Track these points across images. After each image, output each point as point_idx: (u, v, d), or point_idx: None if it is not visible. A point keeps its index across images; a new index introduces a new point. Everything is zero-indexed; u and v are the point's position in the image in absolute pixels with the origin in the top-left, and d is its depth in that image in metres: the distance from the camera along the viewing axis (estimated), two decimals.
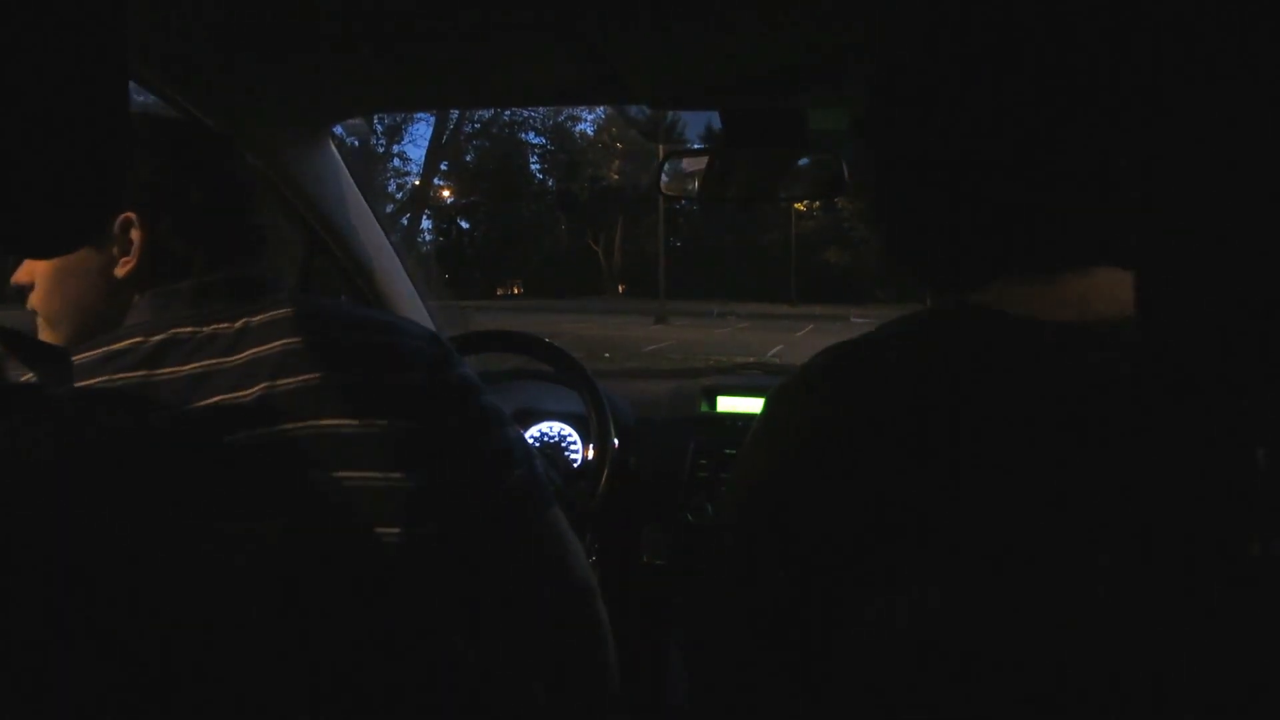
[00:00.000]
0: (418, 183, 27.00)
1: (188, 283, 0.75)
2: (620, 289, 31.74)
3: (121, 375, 0.68)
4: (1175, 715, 0.43)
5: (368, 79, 1.15)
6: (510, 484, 0.81)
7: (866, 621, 0.48)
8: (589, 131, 33.60)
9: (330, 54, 1.04)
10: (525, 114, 28.00)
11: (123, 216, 0.75)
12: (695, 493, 1.62)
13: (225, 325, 0.73)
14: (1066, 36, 0.50)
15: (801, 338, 15.48)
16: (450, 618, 0.73)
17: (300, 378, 0.70)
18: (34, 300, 0.78)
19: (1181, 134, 0.35)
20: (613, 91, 1.14)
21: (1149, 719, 0.43)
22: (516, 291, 32.88)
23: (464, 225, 32.54)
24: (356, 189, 1.47)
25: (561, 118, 31.41)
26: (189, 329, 0.72)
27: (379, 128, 25.41)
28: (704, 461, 1.65)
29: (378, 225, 1.53)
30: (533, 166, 32.85)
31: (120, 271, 0.75)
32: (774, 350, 12.62)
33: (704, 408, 1.82)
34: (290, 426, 0.68)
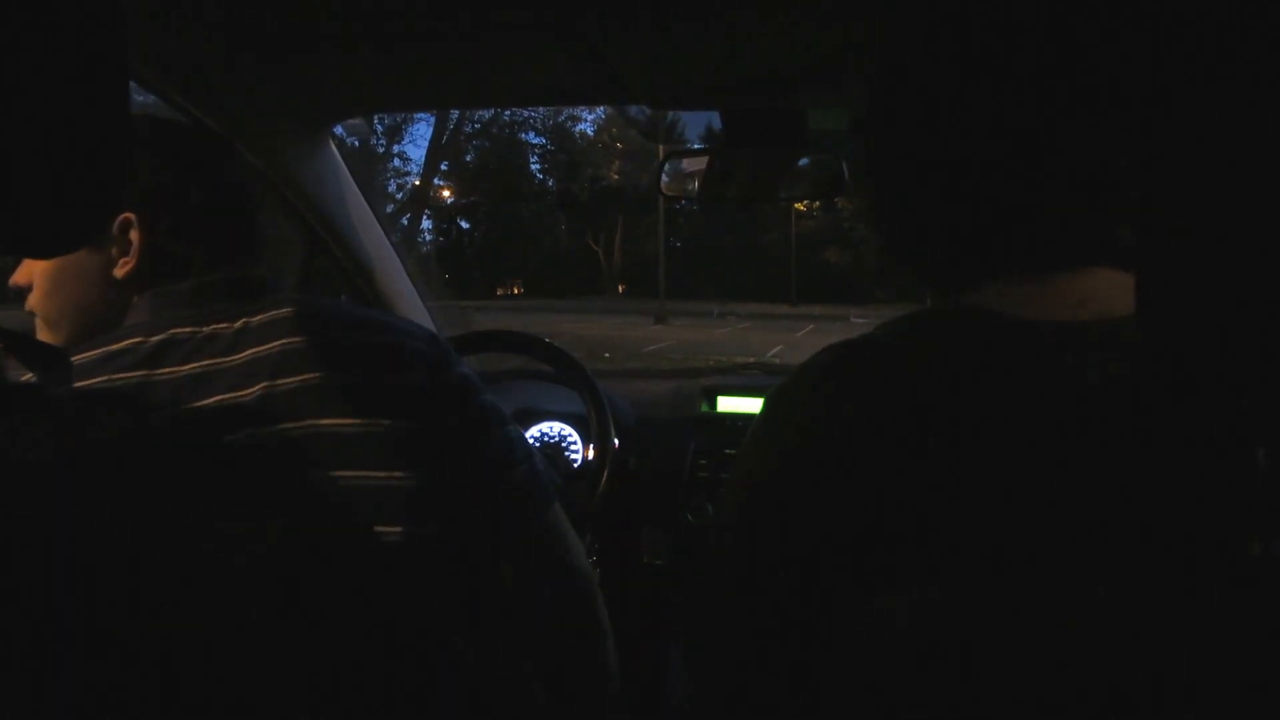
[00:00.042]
0: (418, 183, 27.02)
1: (187, 283, 0.75)
2: (620, 289, 31.74)
3: (121, 375, 0.68)
4: (1175, 715, 0.43)
5: (368, 79, 1.15)
6: (510, 483, 0.81)
7: (866, 621, 0.48)
8: (589, 131, 33.64)
9: (330, 54, 1.04)
10: (525, 114, 28.02)
11: (122, 217, 0.75)
12: (695, 493, 1.62)
13: (224, 325, 0.73)
14: (1066, 36, 0.50)
15: (801, 338, 15.48)
16: (450, 618, 0.73)
17: (300, 377, 0.70)
18: (32, 301, 0.78)
19: (1181, 134, 0.35)
20: (613, 91, 1.14)
21: (1149, 719, 0.43)
22: (516, 291, 32.88)
23: (464, 225, 32.56)
24: (357, 189, 1.47)
25: (561, 118, 31.44)
26: (188, 329, 0.72)
27: (379, 128, 25.43)
28: (704, 461, 1.65)
29: (378, 225, 1.53)
30: (533, 166, 32.88)
31: (119, 272, 0.75)
32: (774, 350, 12.61)
33: (704, 408, 1.82)
34: (290, 426, 0.68)
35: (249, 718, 0.34)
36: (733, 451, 1.61)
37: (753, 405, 1.79)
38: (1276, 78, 0.32)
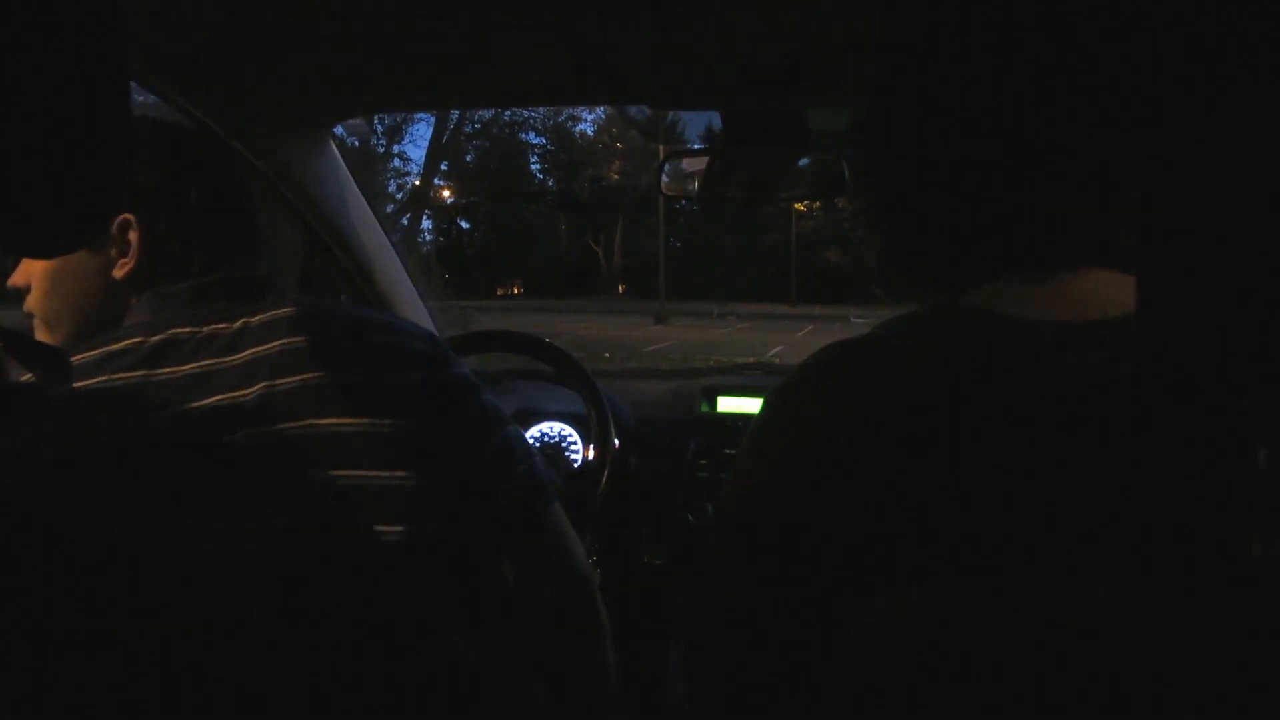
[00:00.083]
0: (418, 183, 27.00)
1: (186, 284, 0.75)
2: (620, 289, 31.74)
3: (121, 375, 0.68)
4: (1175, 715, 0.43)
5: (368, 79, 1.15)
6: (510, 483, 0.81)
7: (866, 621, 0.48)
8: (589, 132, 33.63)
9: (330, 54, 1.04)
10: (525, 114, 27.99)
11: (121, 218, 0.75)
12: (695, 493, 1.62)
13: (224, 325, 0.73)
14: (1066, 36, 0.50)
15: (801, 338, 15.48)
16: (450, 617, 0.73)
17: (300, 377, 0.70)
18: (31, 302, 0.78)
19: (1181, 134, 0.35)
20: (613, 91, 1.14)
21: (1149, 719, 0.43)
22: (516, 292, 32.87)
23: (464, 225, 32.56)
24: (357, 189, 1.47)
25: (561, 118, 31.43)
26: (188, 329, 0.72)
27: (379, 128, 25.41)
28: (704, 461, 1.65)
29: (378, 225, 1.53)
30: (533, 167, 32.88)
31: (119, 273, 0.75)
32: (774, 350, 12.62)
33: (704, 408, 1.82)
34: (290, 426, 0.68)
35: (249, 717, 0.34)
36: (733, 451, 1.61)
37: (753, 405, 1.79)
38: (1276, 78, 0.32)
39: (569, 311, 22.31)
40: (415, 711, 0.54)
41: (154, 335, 0.71)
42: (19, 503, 0.31)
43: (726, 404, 1.81)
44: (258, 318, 0.74)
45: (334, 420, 0.70)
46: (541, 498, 0.84)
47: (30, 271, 0.78)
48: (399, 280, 1.59)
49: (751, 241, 29.50)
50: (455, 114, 20.50)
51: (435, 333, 0.88)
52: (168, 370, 0.69)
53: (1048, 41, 0.50)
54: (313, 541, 0.42)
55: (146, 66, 1.01)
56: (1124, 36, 0.48)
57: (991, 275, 0.54)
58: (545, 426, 1.71)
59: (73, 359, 0.67)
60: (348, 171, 1.44)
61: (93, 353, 0.70)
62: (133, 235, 0.75)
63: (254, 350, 0.71)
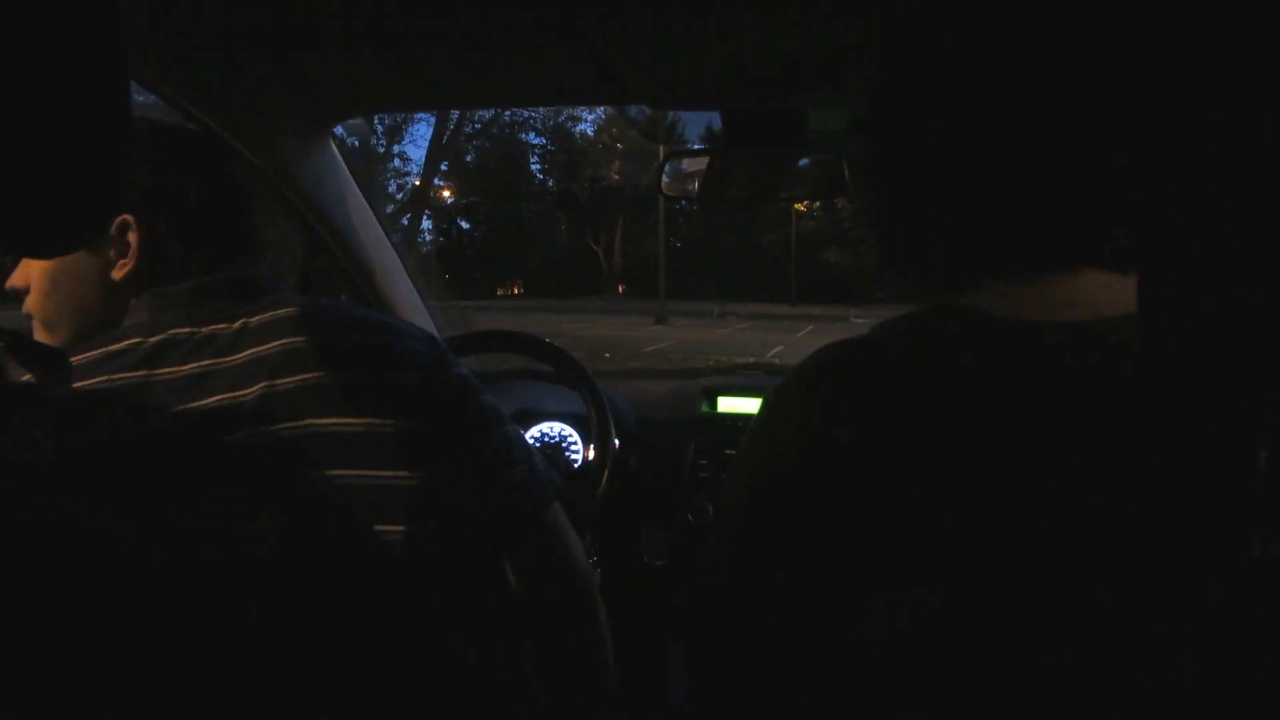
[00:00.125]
0: (418, 183, 27.00)
1: (186, 284, 0.75)
2: (620, 289, 31.74)
3: (120, 375, 0.68)
4: (1175, 715, 0.43)
5: (368, 79, 1.15)
6: (510, 483, 0.81)
7: (866, 621, 0.48)
8: (589, 132, 33.62)
9: (330, 54, 1.04)
10: (525, 114, 27.99)
11: (120, 219, 0.75)
12: (695, 493, 1.62)
13: (224, 326, 0.73)
14: (1066, 36, 0.50)
15: (801, 338, 15.48)
16: (450, 618, 0.73)
17: (300, 377, 0.70)
18: (30, 303, 0.78)
19: (1181, 134, 0.35)
20: (613, 91, 1.14)
21: (1149, 719, 0.43)
22: (516, 291, 32.87)
23: (464, 225, 32.54)
24: (357, 189, 1.46)
25: (562, 118, 31.41)
26: (187, 329, 0.72)
27: (379, 128, 25.40)
28: (704, 461, 1.65)
29: (378, 225, 1.53)
30: (533, 167, 32.86)
31: (118, 274, 0.75)
32: (774, 351, 12.62)
33: (704, 408, 1.82)
34: (290, 426, 0.68)
35: (249, 718, 0.34)
36: (733, 451, 1.61)
37: (753, 405, 1.79)
38: (1276, 78, 0.32)
39: (569, 311, 22.32)
40: (415, 711, 0.54)
41: (153, 335, 0.71)
42: (19, 503, 0.31)
43: (726, 404, 1.81)
44: (257, 318, 0.74)
45: (334, 420, 0.70)
46: (541, 498, 0.84)
47: (29, 273, 0.78)
48: (399, 280, 1.59)
49: (751, 241, 29.49)
50: (455, 114, 20.51)
51: (435, 333, 0.88)
52: (167, 370, 0.69)
53: (1046, 42, 0.50)
54: (313, 541, 0.42)
55: (146, 66, 1.01)
56: (1122, 37, 0.48)
57: (991, 275, 0.54)
58: (545, 426, 1.71)
59: (72, 359, 0.67)
60: (348, 171, 1.44)
61: (92, 353, 0.70)
62: (132, 237, 0.75)
63: (254, 350, 0.71)
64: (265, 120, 1.23)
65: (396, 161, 27.27)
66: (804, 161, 1.28)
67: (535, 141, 32.35)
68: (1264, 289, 0.33)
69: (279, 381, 0.70)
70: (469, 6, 0.87)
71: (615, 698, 0.90)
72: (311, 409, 0.69)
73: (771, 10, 0.84)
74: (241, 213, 0.82)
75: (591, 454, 1.50)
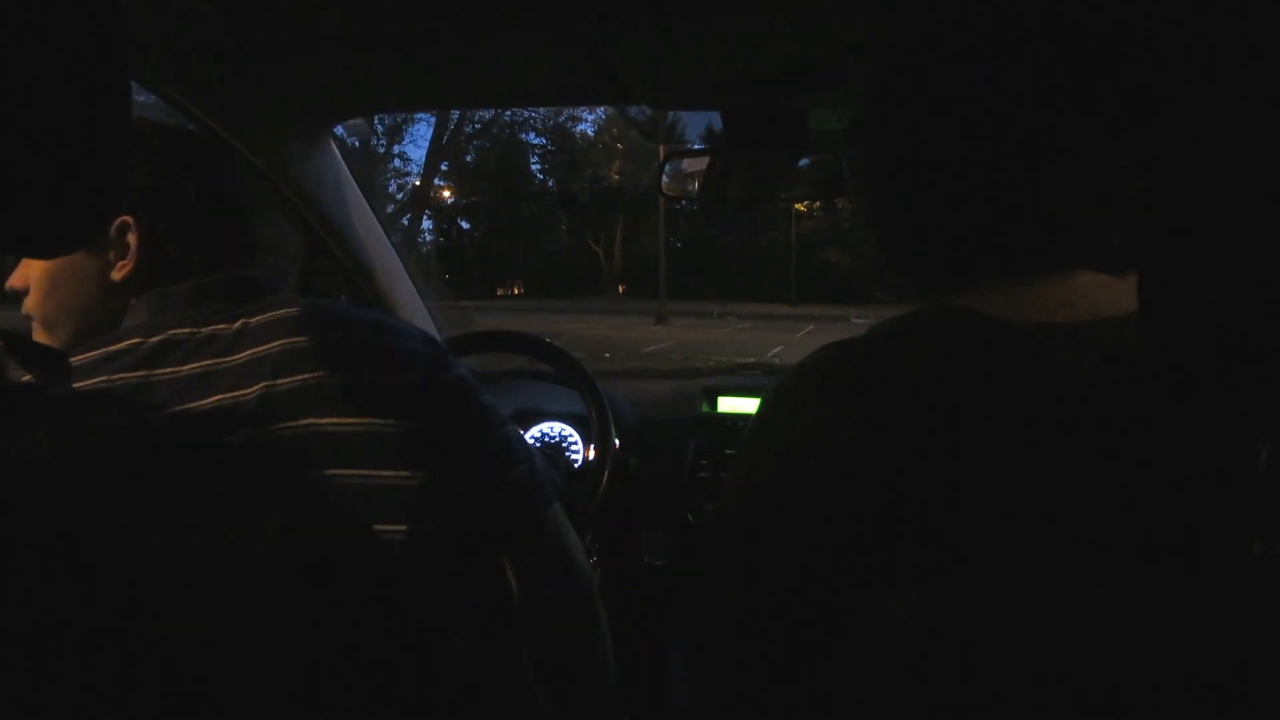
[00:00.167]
0: (418, 183, 26.99)
1: (185, 285, 0.75)
2: (620, 289, 31.73)
3: (120, 376, 0.68)
4: (1175, 715, 0.43)
5: (368, 79, 1.15)
6: (510, 483, 0.81)
7: (866, 621, 0.48)
8: (589, 132, 33.60)
9: (330, 54, 1.04)
10: (526, 114, 27.95)
11: (119, 220, 0.75)
12: (695, 493, 1.62)
13: (223, 326, 0.73)
14: (1066, 36, 0.50)
15: (802, 338, 15.48)
16: (450, 618, 0.73)
17: (300, 377, 0.70)
18: (29, 304, 0.78)
19: (1182, 134, 0.35)
20: (613, 91, 1.14)
21: (1149, 719, 0.43)
22: (517, 292, 32.87)
23: (464, 225, 32.52)
24: (357, 189, 1.47)
25: (562, 118, 31.38)
26: (187, 330, 0.72)
27: (379, 128, 25.39)
28: (704, 462, 1.65)
29: (378, 225, 1.53)
30: (533, 167, 32.83)
31: (117, 275, 0.75)
32: (774, 351, 12.61)
33: (704, 408, 1.82)
34: (290, 425, 0.68)
35: (249, 717, 0.34)
36: (733, 452, 1.61)
37: (753, 405, 1.79)
38: (1276, 78, 0.32)
39: (569, 311, 22.31)
40: (415, 712, 0.54)
41: (153, 336, 0.71)
42: (19, 503, 0.31)
43: (726, 404, 1.81)
44: (257, 318, 0.74)
45: (334, 420, 0.70)
46: (541, 498, 0.84)
47: (28, 274, 0.78)
48: (399, 280, 1.59)
49: (751, 241, 29.50)
50: (455, 114, 20.51)
51: (435, 333, 0.88)
52: (167, 370, 0.69)
53: (1046, 42, 0.50)
54: (313, 541, 0.42)
55: (146, 66, 1.01)
56: (1122, 37, 0.48)
57: (990, 275, 0.54)
58: (545, 426, 1.71)
59: (72, 360, 0.67)
60: (348, 171, 1.44)
61: (92, 353, 0.70)
62: (131, 238, 0.75)
63: (254, 350, 0.71)
64: (265, 120, 1.23)
65: (396, 161, 27.28)
66: (804, 161, 1.28)
67: (535, 141, 32.36)
68: (1264, 289, 0.33)
69: (279, 382, 0.70)
70: (469, 6, 0.87)
71: (615, 698, 0.90)
72: (311, 409, 0.69)
73: (772, 10, 0.84)
74: (241, 213, 0.82)
75: (591, 454, 1.50)
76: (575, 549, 0.88)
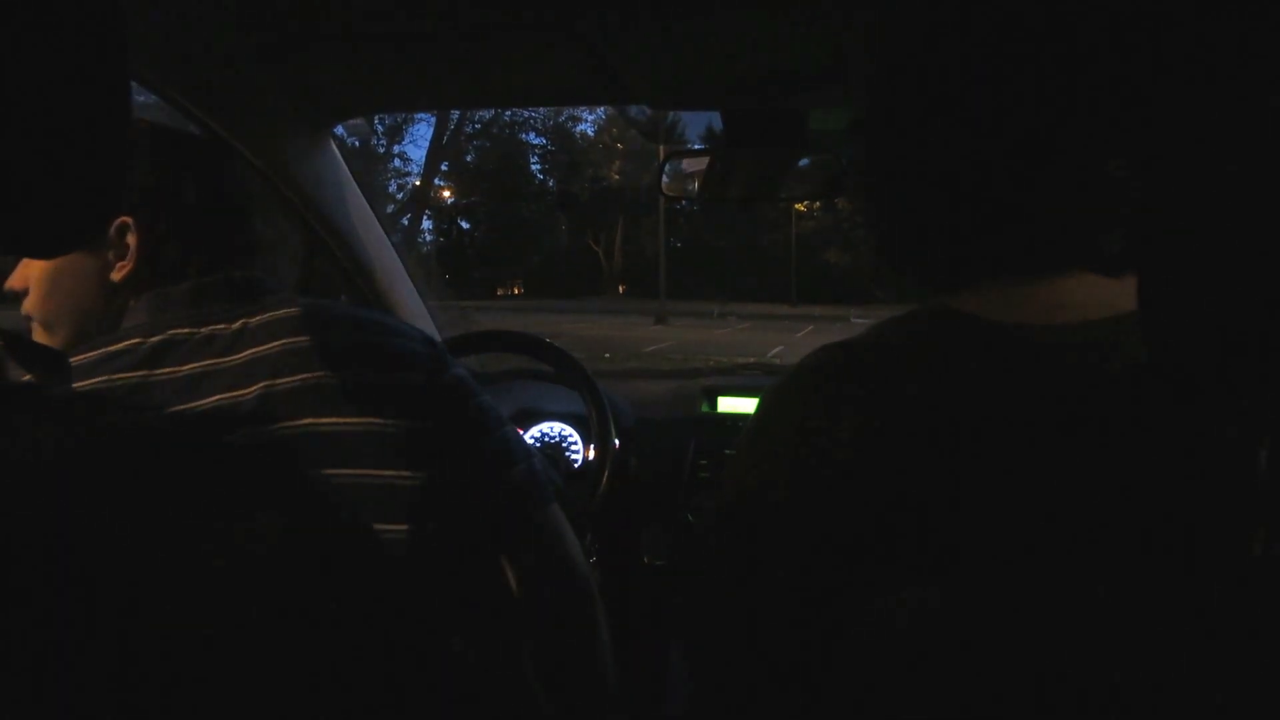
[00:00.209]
0: (418, 183, 26.99)
1: (185, 285, 0.75)
2: (620, 289, 31.74)
3: (120, 376, 0.68)
4: (1175, 715, 0.43)
5: (368, 79, 1.15)
6: (509, 483, 0.81)
7: (866, 622, 0.48)
8: (589, 132, 33.62)
9: (330, 54, 1.04)
10: (526, 114, 27.98)
11: (119, 221, 0.75)
12: (696, 493, 1.62)
13: (223, 326, 0.73)
14: (1066, 36, 0.50)
15: (802, 338, 15.49)
16: (450, 617, 0.73)
17: (299, 377, 0.70)
18: (29, 305, 0.78)
19: (1182, 134, 0.35)
20: (613, 91, 1.14)
21: (1149, 719, 0.43)
22: (516, 291, 32.87)
23: (464, 225, 32.54)
24: (357, 189, 1.47)
25: (562, 118, 31.41)
26: (187, 330, 0.72)
27: (379, 128, 25.39)
28: (704, 462, 1.65)
29: (378, 225, 1.53)
30: (533, 167, 32.85)
31: (116, 275, 0.75)
32: (774, 351, 12.62)
33: (704, 408, 1.82)
34: (290, 425, 0.68)
35: (249, 718, 0.34)
36: (733, 452, 1.61)
37: (753, 405, 1.79)
38: (1276, 78, 0.32)
39: (569, 311, 22.31)
40: (415, 711, 0.54)
41: (153, 336, 0.71)
42: (19, 503, 0.31)
43: (726, 404, 1.81)
44: (257, 318, 0.74)
45: (334, 420, 0.70)
46: (540, 498, 0.84)
47: (27, 274, 0.78)
48: (399, 280, 1.59)
49: (751, 241, 29.51)
50: (455, 114, 20.52)
51: (434, 333, 0.89)
52: (167, 370, 0.69)
53: (1046, 42, 0.50)
54: (313, 541, 0.42)
55: (146, 66, 1.01)
56: (1122, 37, 0.48)
57: (989, 275, 0.54)
58: (545, 426, 1.71)
59: (72, 360, 0.67)
60: (348, 171, 1.44)
61: (92, 354, 0.70)
62: (130, 238, 0.75)
63: (253, 350, 0.71)
64: (265, 120, 1.23)
65: (396, 161, 27.29)
66: (804, 161, 1.28)
67: (535, 141, 32.38)
68: (1264, 289, 0.33)
69: (278, 381, 0.70)
70: (469, 6, 0.87)
71: (615, 698, 0.90)
72: (311, 409, 0.69)
73: (772, 10, 0.84)
74: (240, 214, 0.82)
75: (591, 454, 1.50)
76: (575, 549, 0.88)
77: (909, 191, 0.57)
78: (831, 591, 0.50)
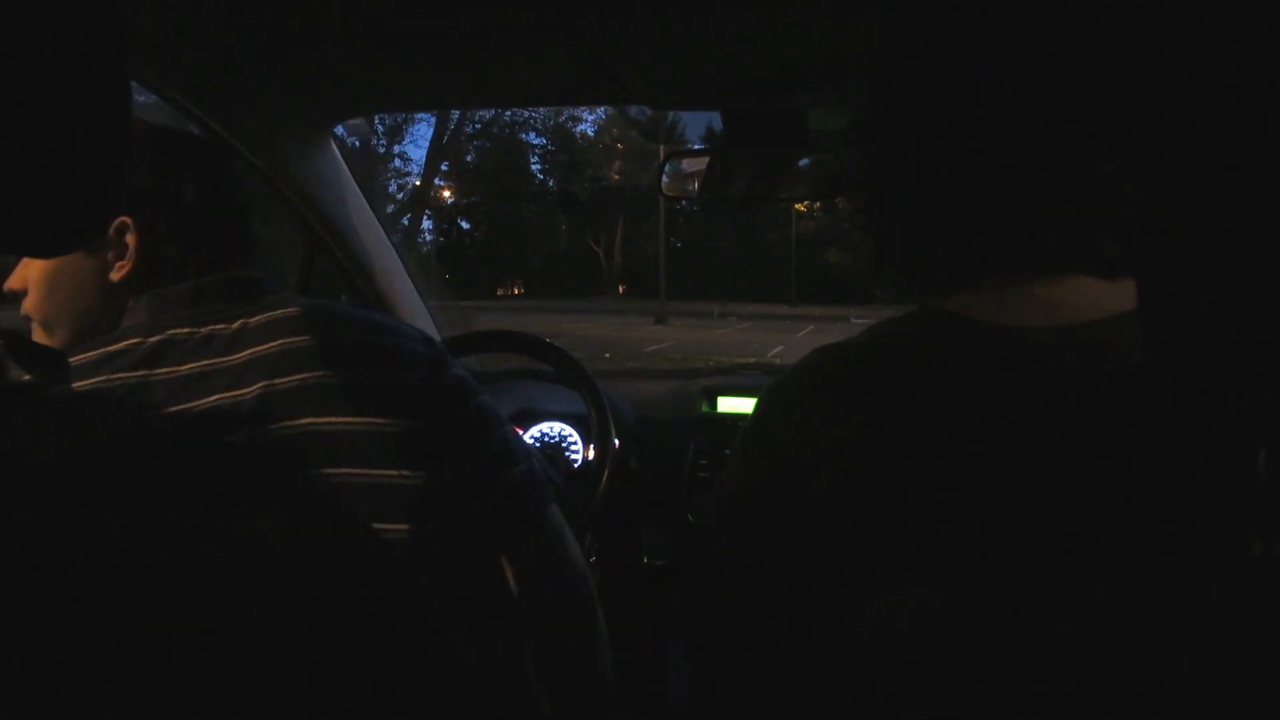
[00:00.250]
0: (418, 183, 26.99)
1: (184, 285, 0.75)
2: (620, 289, 31.74)
3: (120, 375, 0.68)
4: (1175, 715, 0.43)
5: (368, 79, 1.15)
6: (509, 483, 0.81)
7: (866, 622, 0.48)
8: (590, 132, 33.62)
9: (330, 54, 1.04)
10: (526, 114, 27.96)
11: (118, 221, 0.75)
12: (695, 493, 1.62)
13: (222, 326, 0.73)
14: (1066, 36, 0.50)
15: (802, 338, 15.48)
16: (450, 617, 0.73)
17: (299, 377, 0.70)
18: (28, 305, 0.78)
19: (1181, 134, 0.35)
20: (613, 91, 1.14)
21: (1149, 719, 0.43)
22: (517, 292, 32.87)
23: (464, 225, 32.53)
24: (357, 189, 1.47)
25: (562, 118, 31.40)
26: (186, 330, 0.72)
27: (380, 128, 25.40)
28: (704, 462, 1.65)
29: (378, 225, 1.53)
30: (533, 167, 32.84)
31: (116, 275, 0.75)
32: (774, 351, 12.62)
33: (704, 408, 1.82)
34: (289, 425, 0.68)
35: (250, 718, 0.34)
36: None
37: (752, 406, 1.79)
38: (1276, 78, 0.32)
39: (569, 311, 22.31)
40: (415, 711, 0.54)
41: (152, 336, 0.71)
42: (19, 502, 0.31)
43: (726, 404, 1.81)
44: (256, 318, 0.74)
45: (334, 419, 0.70)
46: (540, 498, 0.84)
47: (28, 274, 0.78)
48: (399, 280, 1.59)
49: (751, 241, 29.51)
50: (455, 114, 20.51)
51: (434, 333, 0.89)
52: (167, 370, 0.69)
53: (1045, 43, 0.50)
54: (313, 541, 0.42)
55: (146, 66, 1.01)
56: (1122, 37, 0.48)
57: (989, 275, 0.54)
58: (545, 426, 1.71)
59: (71, 360, 0.67)
60: (348, 171, 1.44)
61: (91, 353, 0.70)
62: (130, 238, 0.75)
63: (253, 350, 0.71)
64: (265, 120, 1.23)
65: (396, 161, 27.28)
66: (804, 161, 1.28)
67: (535, 141, 32.37)
68: (1264, 289, 0.33)
69: (278, 381, 0.70)
70: (469, 6, 0.87)
71: (615, 698, 0.90)
72: (311, 408, 0.69)
73: (772, 10, 0.84)
74: (240, 213, 0.82)
75: (591, 454, 1.50)
76: (574, 549, 0.88)
77: (908, 191, 0.57)
78: (831, 591, 0.50)
